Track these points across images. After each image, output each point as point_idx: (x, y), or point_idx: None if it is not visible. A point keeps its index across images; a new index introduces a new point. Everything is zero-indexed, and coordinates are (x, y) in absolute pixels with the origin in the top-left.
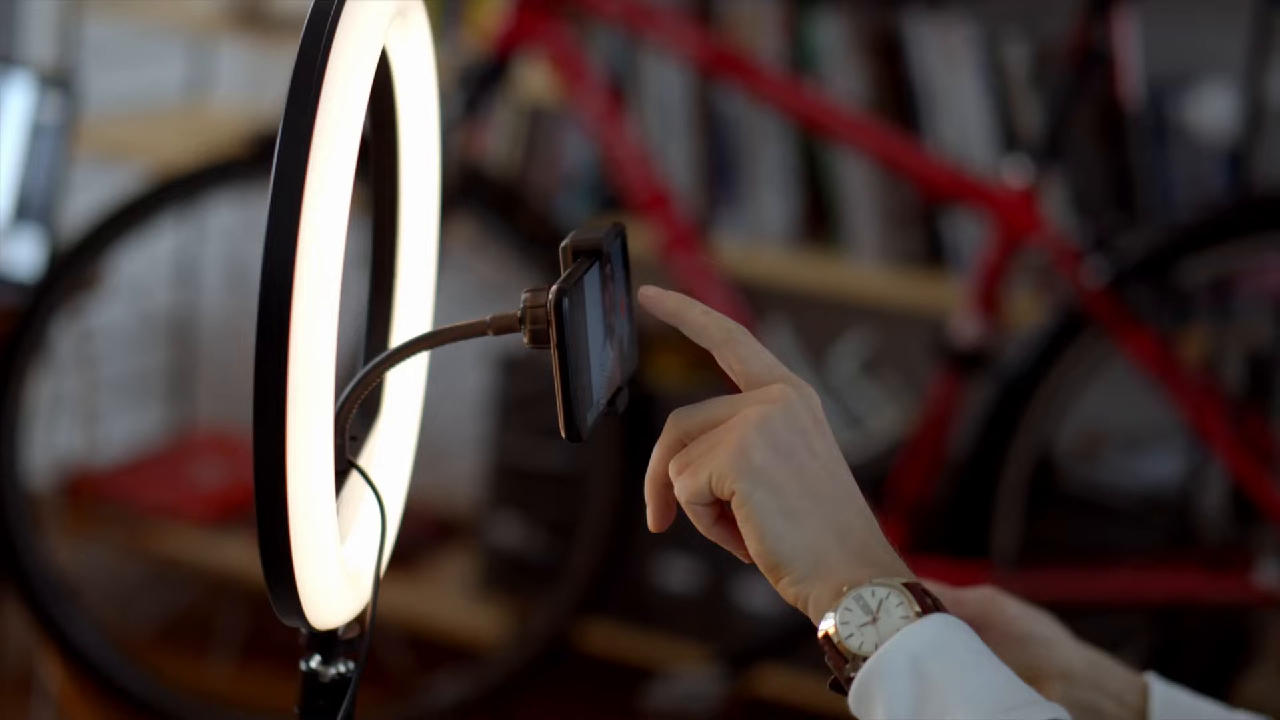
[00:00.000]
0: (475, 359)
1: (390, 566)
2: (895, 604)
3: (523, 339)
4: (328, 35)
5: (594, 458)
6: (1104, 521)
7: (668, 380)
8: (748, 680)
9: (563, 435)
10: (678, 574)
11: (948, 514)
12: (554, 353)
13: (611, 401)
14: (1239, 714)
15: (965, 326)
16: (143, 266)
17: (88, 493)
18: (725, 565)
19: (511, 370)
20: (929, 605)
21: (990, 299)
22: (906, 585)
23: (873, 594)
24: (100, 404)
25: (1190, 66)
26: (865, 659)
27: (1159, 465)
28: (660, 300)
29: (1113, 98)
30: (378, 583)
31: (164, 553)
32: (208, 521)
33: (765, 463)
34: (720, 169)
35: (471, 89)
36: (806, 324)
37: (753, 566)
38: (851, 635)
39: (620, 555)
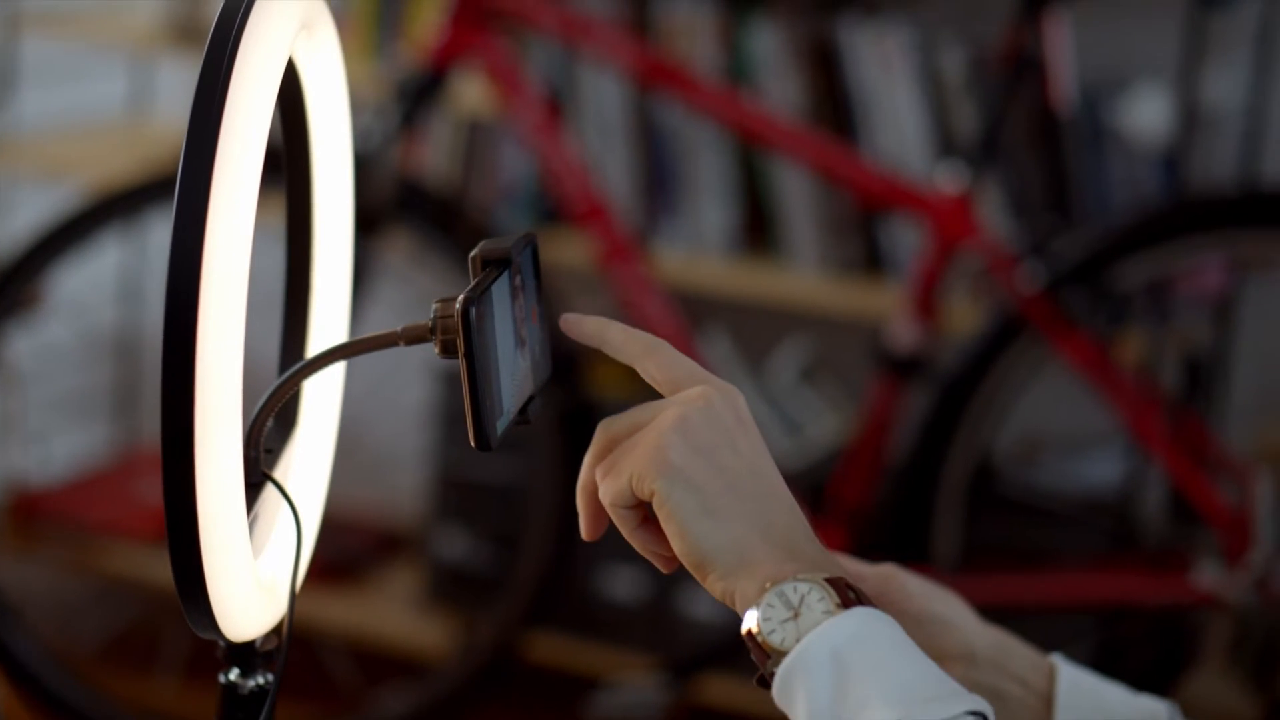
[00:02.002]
0: (419, 372)
1: (335, 580)
2: (817, 599)
3: (434, 350)
4: (231, 49)
5: (537, 469)
6: (1044, 525)
7: (609, 391)
8: (692, 688)
9: (472, 444)
10: (622, 584)
11: (888, 519)
12: (461, 362)
13: (524, 410)
14: (1143, 697)
15: (903, 332)
16: (86, 284)
17: (32, 511)
18: (670, 575)
19: (454, 383)
20: (851, 599)
21: (927, 305)
22: (829, 580)
23: (794, 589)
24: (44, 422)
25: (1124, 70)
26: (787, 654)
27: (1099, 468)
28: (580, 324)
29: (1046, 103)
30: (294, 595)
31: (108, 570)
32: (152, 538)
33: (684, 461)
34: (659, 180)
35: (408, 102)
36: (746, 333)
37: (682, 576)
38: (774, 631)
39: (565, 566)
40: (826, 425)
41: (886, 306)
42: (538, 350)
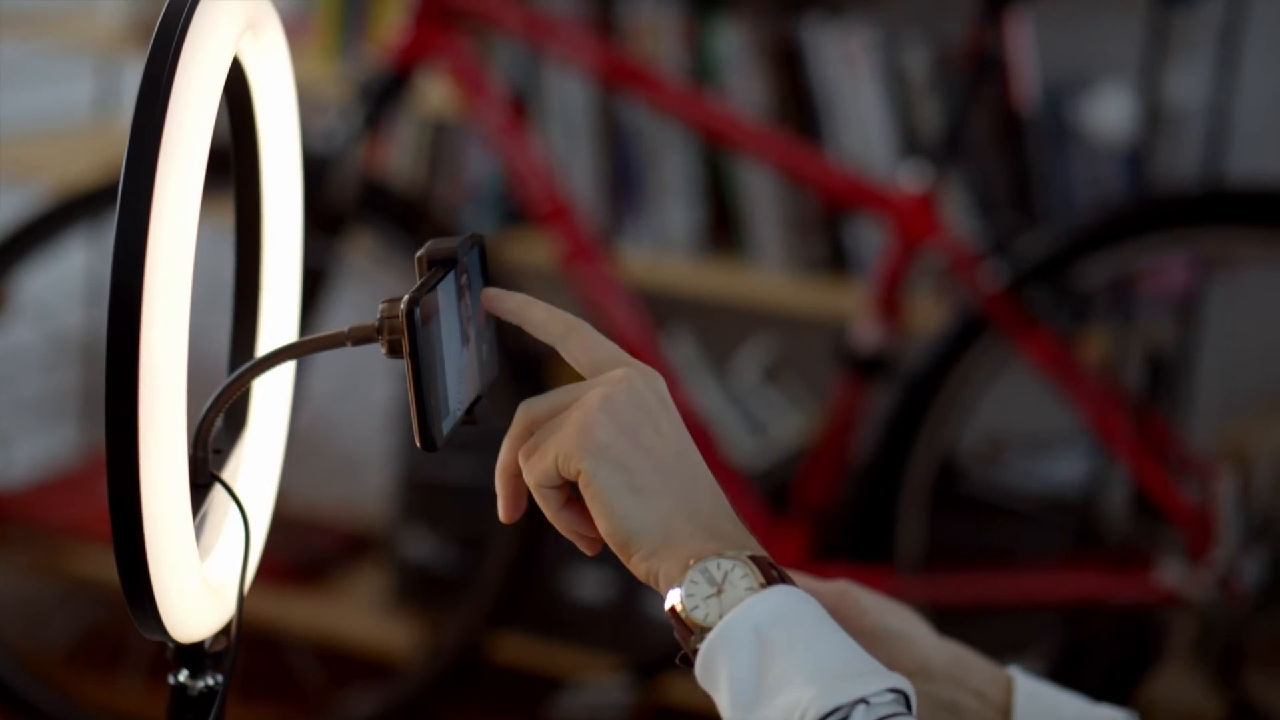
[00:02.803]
0: (385, 373)
1: (301, 581)
2: (740, 575)
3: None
4: (174, 50)
5: None
6: (1008, 524)
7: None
8: (656, 688)
9: (417, 444)
10: (587, 585)
11: (852, 519)
12: (406, 361)
13: (470, 410)
14: (1101, 707)
15: (866, 332)
16: (52, 286)
17: None
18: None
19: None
20: (774, 577)
21: (890, 304)
22: (752, 557)
23: (718, 566)
24: (10, 425)
25: (1086, 69)
26: (710, 630)
27: (1063, 467)
28: (501, 299)
29: (1008, 102)
30: (242, 595)
31: (75, 572)
32: None
33: (610, 440)
34: (624, 180)
35: (371, 103)
36: (710, 332)
37: (600, 559)
38: (697, 607)
39: (531, 567)
40: (790, 425)
41: (851, 306)
42: (485, 350)
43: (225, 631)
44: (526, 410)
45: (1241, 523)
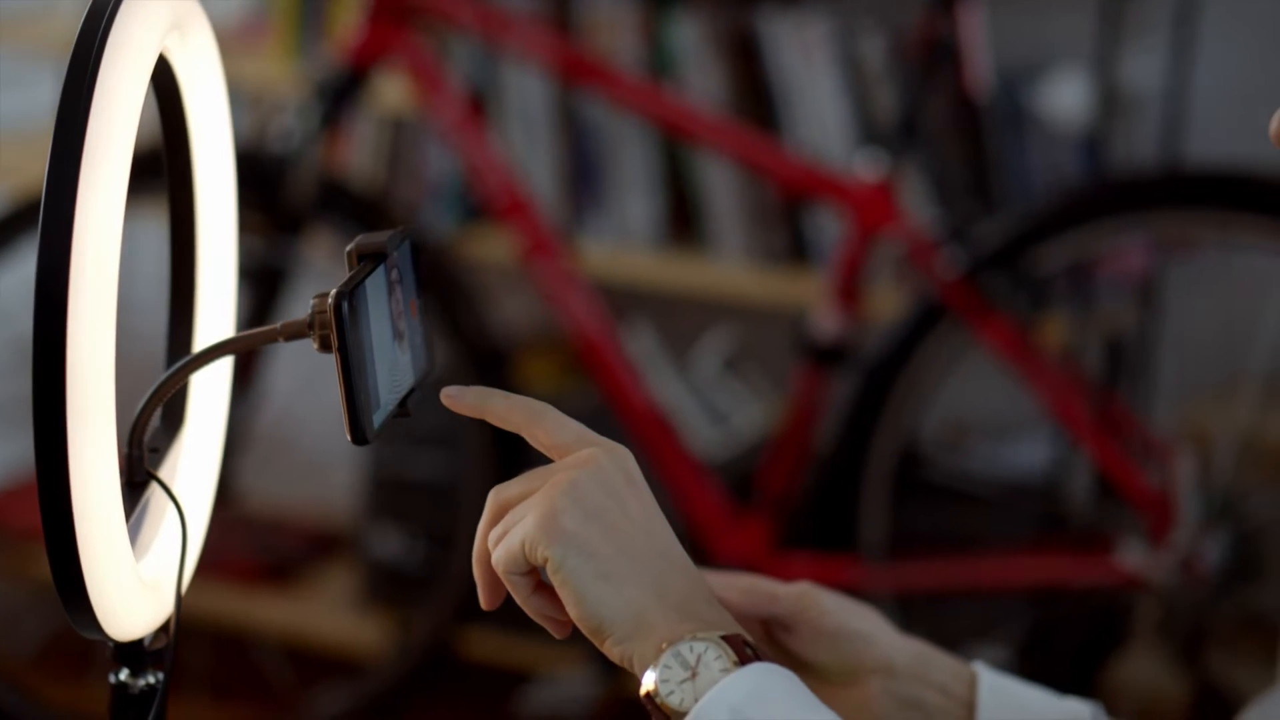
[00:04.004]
0: None
1: (269, 580)
2: (714, 657)
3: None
4: (96, 51)
5: (468, 466)
6: (972, 510)
7: (539, 386)
8: (622, 681)
9: (348, 437)
10: None
11: (815, 508)
12: (335, 355)
13: (403, 403)
14: (1068, 700)
15: (825, 321)
16: (16, 290)
17: None
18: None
19: None
20: (749, 655)
21: (849, 292)
22: (725, 637)
23: (691, 649)
24: None
25: (1042, 54)
26: (686, 714)
27: (1026, 453)
28: (461, 397)
29: (963, 89)
30: (180, 593)
31: (42, 576)
32: None
33: (576, 526)
34: (584, 174)
35: (328, 102)
36: (671, 325)
37: (570, 639)
38: (672, 692)
39: None
40: (752, 415)
41: (811, 295)
42: (418, 343)
43: (165, 629)
44: (496, 496)
45: (1202, 504)
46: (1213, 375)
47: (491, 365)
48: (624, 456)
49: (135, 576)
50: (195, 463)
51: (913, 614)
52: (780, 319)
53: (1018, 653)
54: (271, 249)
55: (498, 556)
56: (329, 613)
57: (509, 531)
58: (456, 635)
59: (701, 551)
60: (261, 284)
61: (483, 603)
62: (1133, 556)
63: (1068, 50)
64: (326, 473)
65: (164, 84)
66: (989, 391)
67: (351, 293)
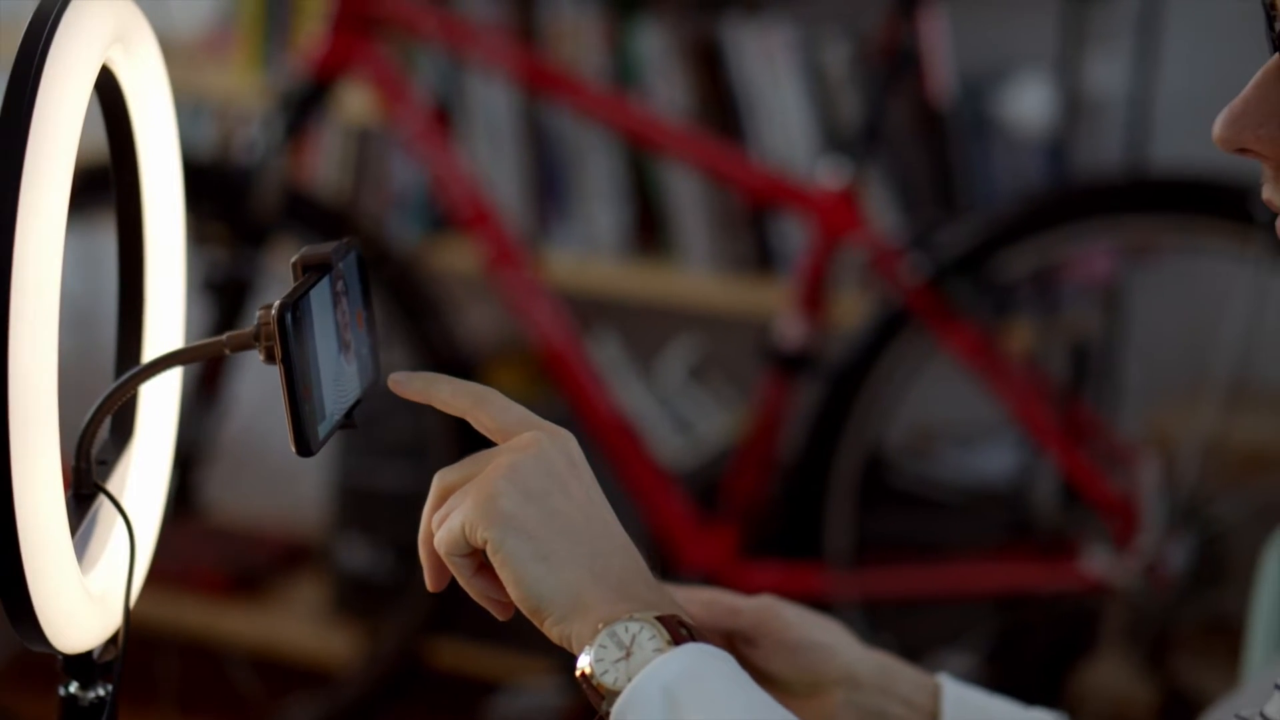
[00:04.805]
0: None
1: (238, 592)
2: (648, 637)
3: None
4: (37, 64)
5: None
6: (938, 517)
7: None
8: None
9: (293, 449)
10: None
11: (781, 515)
12: (279, 366)
13: (349, 414)
14: (1033, 711)
15: (790, 329)
16: None
17: None
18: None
19: None
20: (683, 636)
21: (814, 300)
22: (660, 618)
23: (626, 629)
24: None
25: (1004, 61)
26: (620, 693)
27: (993, 458)
28: (408, 382)
29: (924, 95)
30: (128, 605)
31: None
32: None
33: (515, 508)
34: (550, 183)
35: (291, 113)
36: (638, 334)
37: (514, 622)
38: (606, 671)
39: None
40: (717, 423)
41: (777, 303)
42: (364, 355)
43: (114, 641)
44: (440, 479)
45: (1166, 509)
46: (1177, 380)
47: (458, 375)
48: (566, 439)
49: (82, 589)
50: (145, 475)
51: (880, 621)
52: (746, 327)
53: (985, 659)
54: (237, 260)
55: (440, 539)
56: (298, 623)
57: (450, 515)
58: (425, 645)
59: (668, 560)
60: (227, 295)
61: (428, 584)
62: (1098, 562)
63: (1031, 55)
64: (294, 484)
65: (109, 96)
66: (955, 398)
67: (295, 304)
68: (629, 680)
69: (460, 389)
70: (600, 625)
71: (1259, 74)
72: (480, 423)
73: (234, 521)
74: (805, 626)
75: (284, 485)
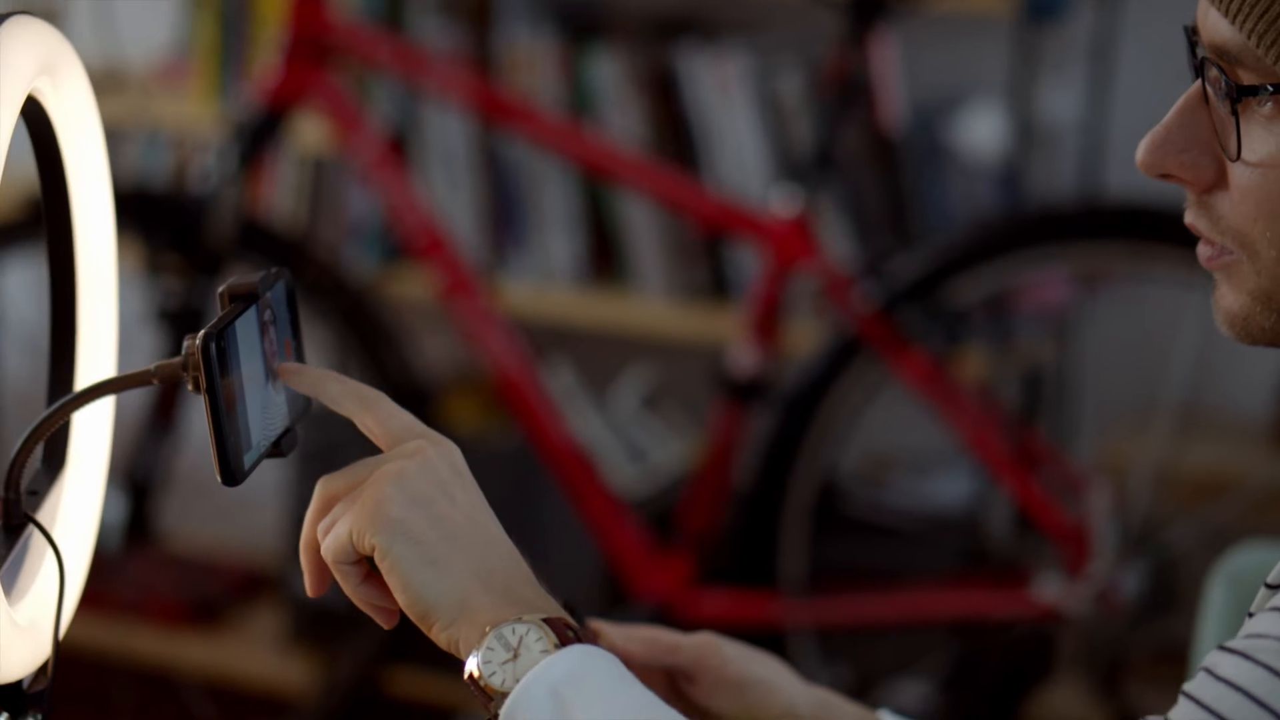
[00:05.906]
0: None
1: (195, 621)
2: (535, 639)
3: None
4: None
5: None
6: (892, 544)
7: (463, 425)
8: None
9: (218, 478)
10: None
11: (735, 544)
12: (204, 396)
13: (277, 444)
14: None
15: (743, 357)
16: None
17: None
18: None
19: (310, 421)
20: (569, 637)
21: (766, 328)
22: (547, 620)
23: (513, 631)
24: None
25: (957, 88)
26: (508, 695)
27: (946, 486)
28: (300, 374)
29: (876, 124)
30: (58, 635)
31: None
32: None
33: (402, 514)
34: (505, 213)
35: (246, 143)
36: (593, 362)
37: (402, 630)
38: (494, 673)
39: None
40: (671, 452)
41: (732, 331)
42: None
43: (44, 671)
44: (324, 486)
45: (1118, 536)
46: (1129, 407)
47: (414, 404)
48: (450, 448)
49: (7, 619)
50: (76, 504)
51: (834, 649)
52: (699, 355)
53: (940, 686)
54: (191, 290)
55: (327, 546)
56: (255, 652)
57: (337, 521)
58: (383, 673)
59: (622, 589)
60: (181, 325)
61: (309, 590)
62: (1050, 589)
63: (983, 83)
64: (251, 512)
65: (37, 126)
66: (908, 426)
67: (219, 334)
68: (517, 681)
69: (349, 390)
70: (488, 628)
71: (1180, 101)
72: (366, 427)
73: (190, 550)
74: (745, 663)
75: (241, 514)
